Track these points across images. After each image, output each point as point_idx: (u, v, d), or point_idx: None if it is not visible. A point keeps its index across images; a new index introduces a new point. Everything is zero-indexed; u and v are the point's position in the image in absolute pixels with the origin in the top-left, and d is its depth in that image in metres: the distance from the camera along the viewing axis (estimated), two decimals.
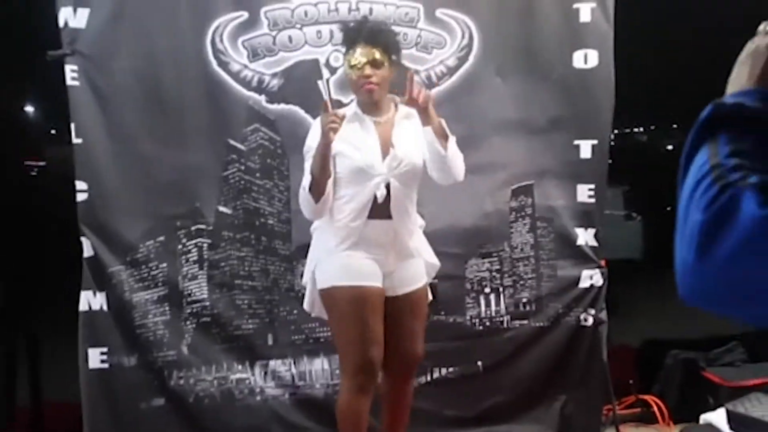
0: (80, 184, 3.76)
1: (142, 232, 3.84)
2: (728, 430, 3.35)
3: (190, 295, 3.90)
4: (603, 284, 4.12)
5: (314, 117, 3.52)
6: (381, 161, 3.20)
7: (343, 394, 3.25)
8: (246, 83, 3.91)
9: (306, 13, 3.93)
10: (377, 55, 3.18)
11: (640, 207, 5.38)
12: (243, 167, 3.92)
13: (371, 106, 3.26)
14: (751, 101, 1.08)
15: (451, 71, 4.05)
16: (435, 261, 3.45)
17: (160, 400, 3.87)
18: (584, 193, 4.13)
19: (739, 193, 0.96)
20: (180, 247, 3.89)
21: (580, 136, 4.11)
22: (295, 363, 3.99)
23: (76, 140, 3.75)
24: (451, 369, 4.10)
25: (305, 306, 3.40)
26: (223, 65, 3.89)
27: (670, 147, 5.69)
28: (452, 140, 3.20)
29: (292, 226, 3.92)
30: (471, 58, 4.06)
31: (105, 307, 3.78)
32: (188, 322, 3.89)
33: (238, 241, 3.93)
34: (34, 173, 5.35)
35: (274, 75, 3.93)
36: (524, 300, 4.15)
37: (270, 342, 3.97)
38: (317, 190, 3.11)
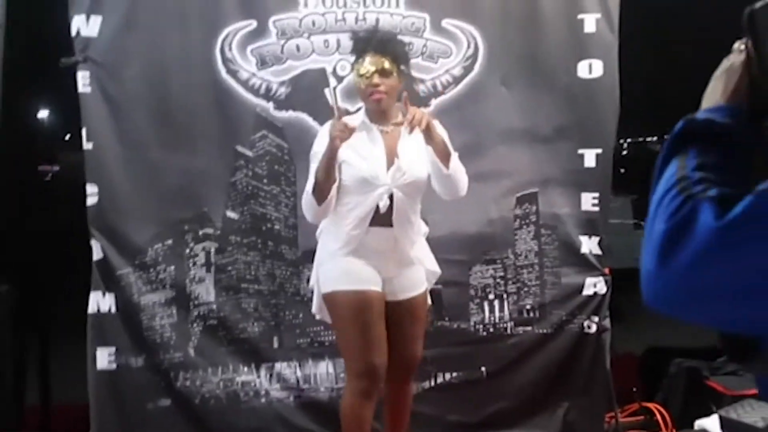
0: (91, 188, 3.84)
1: (151, 236, 3.91)
2: None
3: (197, 297, 3.96)
4: (607, 292, 4.16)
5: (321, 124, 3.56)
6: (385, 172, 3.23)
7: (347, 398, 3.29)
8: (254, 91, 3.98)
9: (314, 23, 4.00)
10: (386, 64, 3.21)
11: None
12: (250, 173, 3.98)
13: (379, 114, 3.29)
14: (721, 117, 1.13)
15: (457, 80, 4.11)
16: (436, 268, 3.48)
17: (166, 400, 3.92)
18: (588, 201, 4.17)
19: (698, 205, 1.00)
20: (188, 250, 3.96)
21: (584, 145, 4.15)
22: (300, 366, 4.03)
23: (87, 145, 3.83)
24: (454, 374, 4.14)
25: (313, 309, 3.44)
26: (232, 73, 3.96)
27: None
28: (454, 157, 3.23)
29: (299, 231, 3.97)
30: (476, 68, 4.11)
31: (113, 309, 3.85)
32: (195, 325, 3.95)
33: (245, 246, 3.99)
34: (47, 178, 5.44)
35: (281, 83, 4.00)
36: (528, 307, 4.19)
37: (275, 345, 4.02)
38: (321, 194, 3.15)
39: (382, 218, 3.23)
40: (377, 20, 4.00)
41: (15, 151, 4.61)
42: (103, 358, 3.84)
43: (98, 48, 3.82)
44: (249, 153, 3.98)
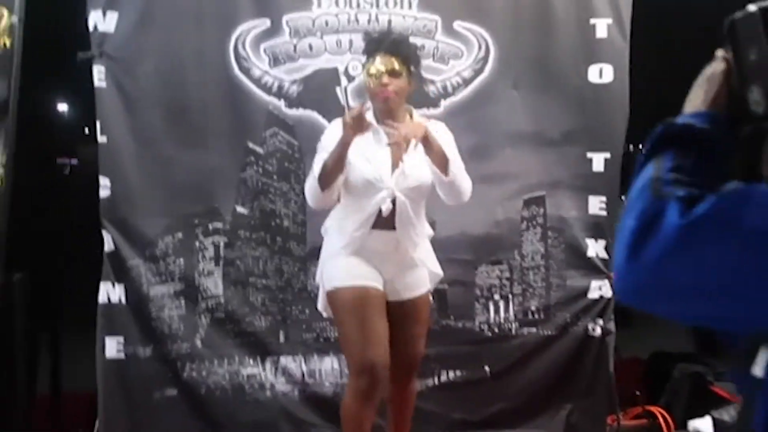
0: (103, 181, 3.92)
1: (162, 229, 3.98)
2: None
3: (205, 290, 4.02)
4: (612, 296, 4.17)
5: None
6: (390, 175, 3.23)
7: (347, 398, 3.29)
8: (266, 88, 4.04)
9: (327, 23, 4.05)
10: (396, 65, 3.21)
11: None
12: (261, 170, 4.04)
13: (386, 115, 3.27)
14: (700, 122, 1.17)
15: (467, 82, 4.14)
16: (438, 270, 3.47)
17: (173, 390, 3.99)
18: (596, 205, 4.20)
19: (666, 204, 1.05)
20: (197, 244, 4.02)
21: (593, 149, 4.18)
22: (305, 360, 4.08)
23: (101, 139, 3.91)
24: (458, 373, 4.17)
25: (319, 306, 3.46)
26: (245, 71, 4.02)
27: None
28: (457, 163, 3.23)
29: (307, 228, 4.02)
30: (487, 70, 4.15)
31: (123, 300, 3.93)
32: (203, 317, 4.01)
33: (254, 241, 4.05)
34: (66, 171, 5.53)
35: (293, 81, 4.05)
36: (533, 308, 4.22)
37: (282, 339, 4.08)
38: (326, 181, 3.16)
39: (385, 221, 3.24)
40: (389, 21, 4.05)
41: (34, 144, 4.69)
42: (112, 347, 3.91)
43: (114, 43, 3.90)
44: (260, 150, 4.04)
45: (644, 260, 1.04)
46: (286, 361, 4.07)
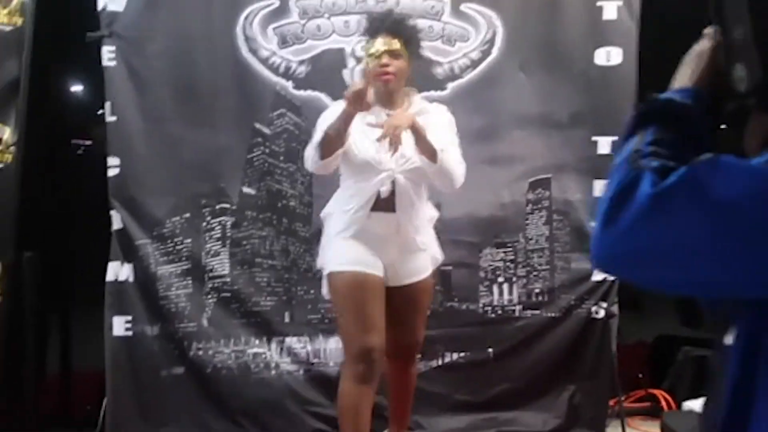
0: (112, 161, 3.96)
1: (169, 209, 4.02)
2: None
3: (212, 270, 4.06)
4: (616, 279, 4.18)
5: None
6: (389, 157, 3.21)
7: (344, 383, 3.29)
8: (274, 69, 4.06)
9: (334, 4, 4.06)
10: (396, 45, 3.22)
11: None
12: (268, 150, 4.07)
13: (386, 97, 3.28)
14: (683, 98, 1.19)
15: (475, 64, 4.15)
16: (439, 255, 3.48)
17: (179, 369, 4.03)
18: (601, 188, 4.18)
19: (641, 174, 1.08)
20: (204, 224, 4.06)
21: (599, 132, 4.16)
22: (310, 341, 4.12)
23: (110, 118, 3.95)
24: (462, 354, 4.19)
25: (323, 291, 3.46)
26: (253, 51, 4.04)
27: None
28: (449, 150, 3.21)
29: (313, 209, 4.03)
30: (494, 52, 4.15)
31: (131, 278, 3.97)
32: (209, 296, 4.05)
33: (260, 221, 4.09)
34: (80, 152, 5.56)
35: (301, 62, 4.07)
36: (537, 290, 4.22)
37: (287, 319, 4.11)
38: (326, 150, 3.14)
39: (385, 203, 3.25)
40: (397, 2, 4.05)
41: (47, 124, 4.72)
42: (120, 325, 3.96)
43: (123, 23, 3.93)
44: (267, 130, 4.06)
45: (618, 228, 1.07)
46: (291, 341, 4.11)
